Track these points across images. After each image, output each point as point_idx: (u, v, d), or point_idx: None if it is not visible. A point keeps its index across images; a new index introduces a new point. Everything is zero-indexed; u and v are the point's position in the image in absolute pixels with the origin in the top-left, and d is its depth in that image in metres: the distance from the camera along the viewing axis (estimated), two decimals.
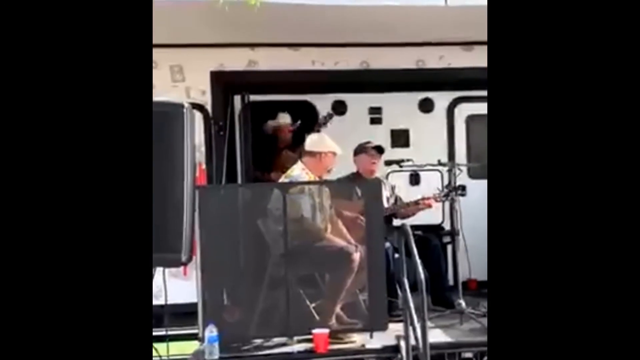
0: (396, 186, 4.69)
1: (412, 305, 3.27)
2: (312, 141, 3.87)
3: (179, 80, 4.67)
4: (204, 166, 4.67)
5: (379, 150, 4.43)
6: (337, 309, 3.59)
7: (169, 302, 3.16)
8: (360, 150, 4.47)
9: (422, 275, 3.22)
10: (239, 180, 4.84)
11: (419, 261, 3.31)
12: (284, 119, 5.05)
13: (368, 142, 4.51)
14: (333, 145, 3.85)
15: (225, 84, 4.76)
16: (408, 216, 4.34)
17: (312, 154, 3.81)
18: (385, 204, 4.37)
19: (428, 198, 4.30)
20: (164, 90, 4.43)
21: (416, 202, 4.33)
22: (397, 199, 4.57)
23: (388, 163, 4.64)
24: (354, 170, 4.50)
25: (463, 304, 3.92)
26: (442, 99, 5.38)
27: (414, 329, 3.20)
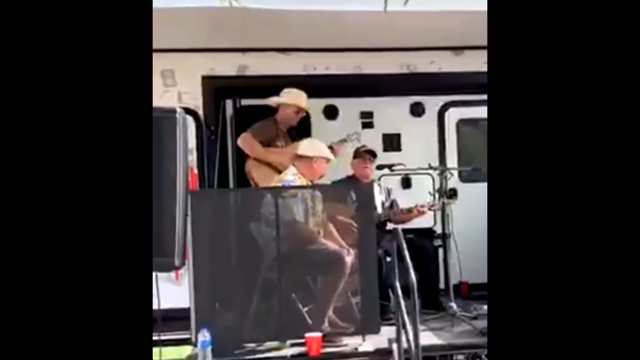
0: (392, 189, 4.71)
1: (404, 308, 3.29)
2: (304, 146, 3.87)
3: (171, 85, 4.67)
4: (196, 171, 4.67)
5: (372, 154, 4.47)
6: (330, 313, 3.60)
7: (161, 306, 3.14)
8: (355, 154, 4.51)
9: (414, 279, 3.24)
10: (231, 185, 4.84)
11: (410, 264, 3.32)
12: (297, 96, 4.26)
13: (363, 146, 4.54)
14: (326, 151, 3.86)
15: (216, 88, 4.76)
16: (402, 222, 4.35)
17: (304, 158, 3.81)
18: (380, 209, 4.39)
19: (422, 206, 4.32)
20: (156, 94, 4.38)
21: (409, 210, 4.35)
22: (392, 203, 4.59)
23: (380, 167, 4.67)
24: (350, 173, 4.53)
25: (454, 306, 3.94)
26: (432, 103, 5.42)
27: (406, 332, 3.21)
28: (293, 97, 4.28)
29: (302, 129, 4.63)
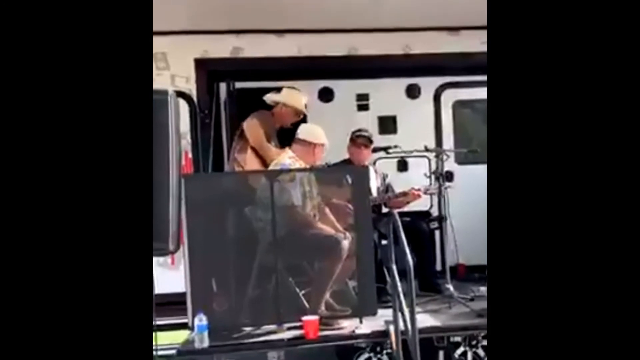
0: (388, 175, 4.67)
1: (400, 291, 3.28)
2: (306, 130, 3.83)
3: (163, 68, 4.61)
4: (190, 155, 4.63)
5: (368, 140, 4.40)
6: (327, 296, 3.59)
7: (157, 291, 3.13)
8: (350, 138, 4.45)
9: (410, 261, 3.23)
10: (226, 169, 4.81)
11: (407, 247, 3.31)
12: (296, 97, 4.09)
13: (359, 130, 4.48)
14: (324, 137, 3.84)
15: (210, 71, 4.70)
16: (397, 207, 4.31)
17: (305, 143, 3.77)
18: (375, 193, 4.36)
19: (418, 189, 4.29)
20: None
21: (404, 193, 4.32)
22: (388, 187, 4.56)
23: (375, 150, 4.63)
24: (344, 157, 4.49)
25: (451, 288, 3.95)
26: (428, 85, 5.38)
27: (403, 314, 3.21)
28: (292, 99, 4.06)
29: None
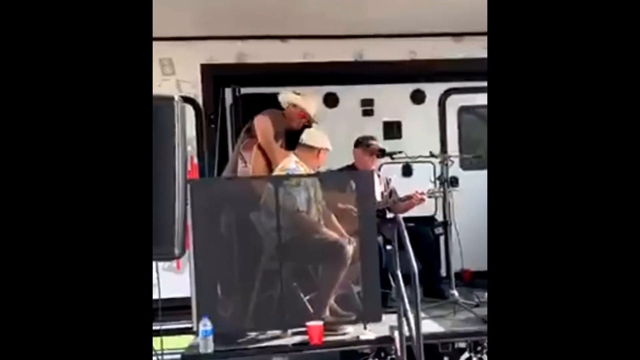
0: (392, 179, 4.67)
1: (405, 296, 3.28)
2: (311, 135, 3.85)
3: (169, 74, 4.65)
4: (195, 160, 4.66)
5: (382, 152, 4.37)
6: (332, 302, 3.59)
7: (162, 296, 3.15)
8: (359, 144, 4.40)
9: (415, 267, 3.23)
10: (229, 160, 4.79)
11: (411, 252, 3.31)
12: (307, 101, 4.08)
13: (371, 138, 4.44)
14: (328, 142, 3.85)
15: (215, 76, 4.73)
16: (402, 211, 4.31)
17: (310, 148, 3.80)
18: (379, 198, 4.36)
19: (422, 192, 4.28)
20: (154, 83, 4.35)
21: (409, 197, 4.31)
22: (392, 192, 4.56)
23: (380, 155, 4.63)
24: (349, 162, 4.49)
25: (456, 294, 3.94)
26: (433, 91, 5.39)
27: (408, 320, 3.21)
28: (303, 101, 4.04)
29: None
